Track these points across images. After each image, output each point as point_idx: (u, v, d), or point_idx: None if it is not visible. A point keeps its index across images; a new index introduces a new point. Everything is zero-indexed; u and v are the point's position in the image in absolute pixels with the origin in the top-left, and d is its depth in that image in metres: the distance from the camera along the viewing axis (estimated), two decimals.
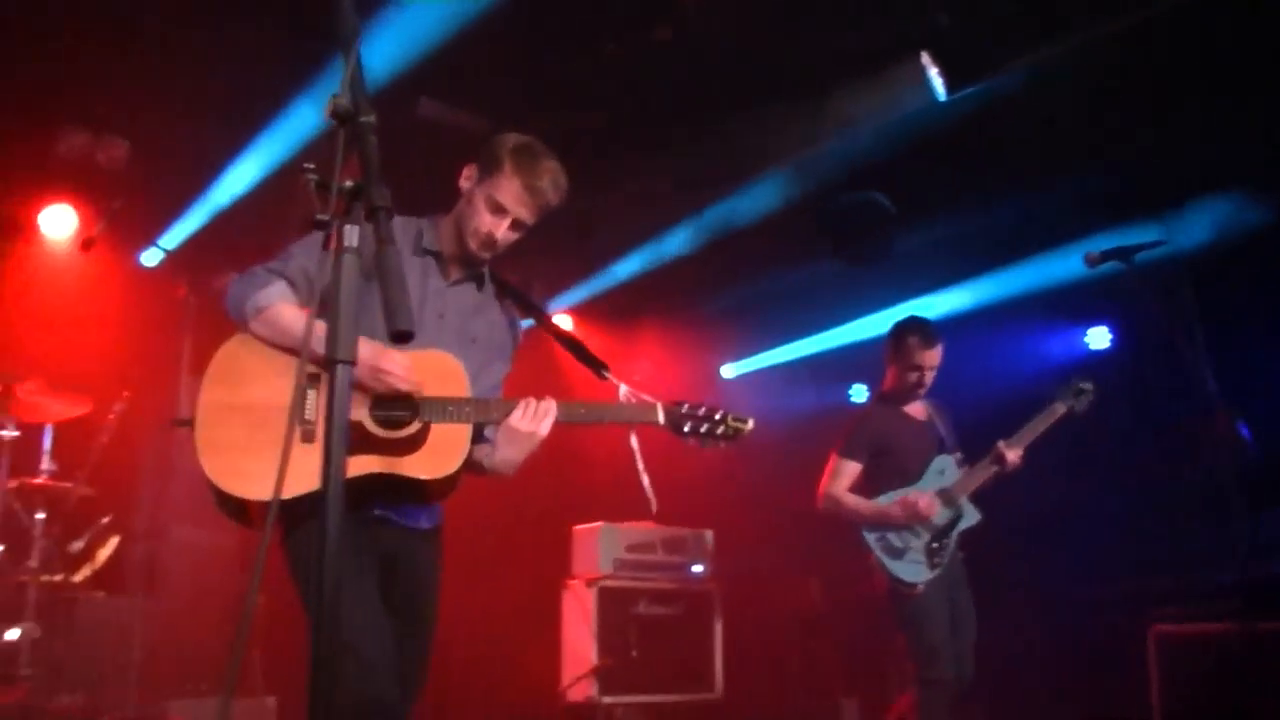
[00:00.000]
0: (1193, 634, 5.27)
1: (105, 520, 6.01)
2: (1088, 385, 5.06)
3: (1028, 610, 6.59)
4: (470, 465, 3.06)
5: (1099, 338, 7.58)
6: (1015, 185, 6.54)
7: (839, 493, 5.10)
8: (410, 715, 3.08)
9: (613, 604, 6.93)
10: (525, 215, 3.11)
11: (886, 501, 4.99)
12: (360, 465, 2.80)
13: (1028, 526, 6.39)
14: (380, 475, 2.84)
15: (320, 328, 2.54)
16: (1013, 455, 4.95)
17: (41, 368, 5.48)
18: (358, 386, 2.80)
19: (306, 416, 2.85)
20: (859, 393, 8.92)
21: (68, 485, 5.65)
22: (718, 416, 3.23)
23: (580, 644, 6.85)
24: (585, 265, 8.44)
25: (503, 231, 3.11)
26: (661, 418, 3.18)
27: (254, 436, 2.84)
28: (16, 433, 5.29)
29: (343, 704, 2.52)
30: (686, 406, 3.23)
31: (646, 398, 3.25)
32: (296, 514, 2.81)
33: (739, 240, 7.46)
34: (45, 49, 5.84)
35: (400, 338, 1.63)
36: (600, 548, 7.08)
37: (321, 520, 1.68)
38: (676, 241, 7.83)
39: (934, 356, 5.11)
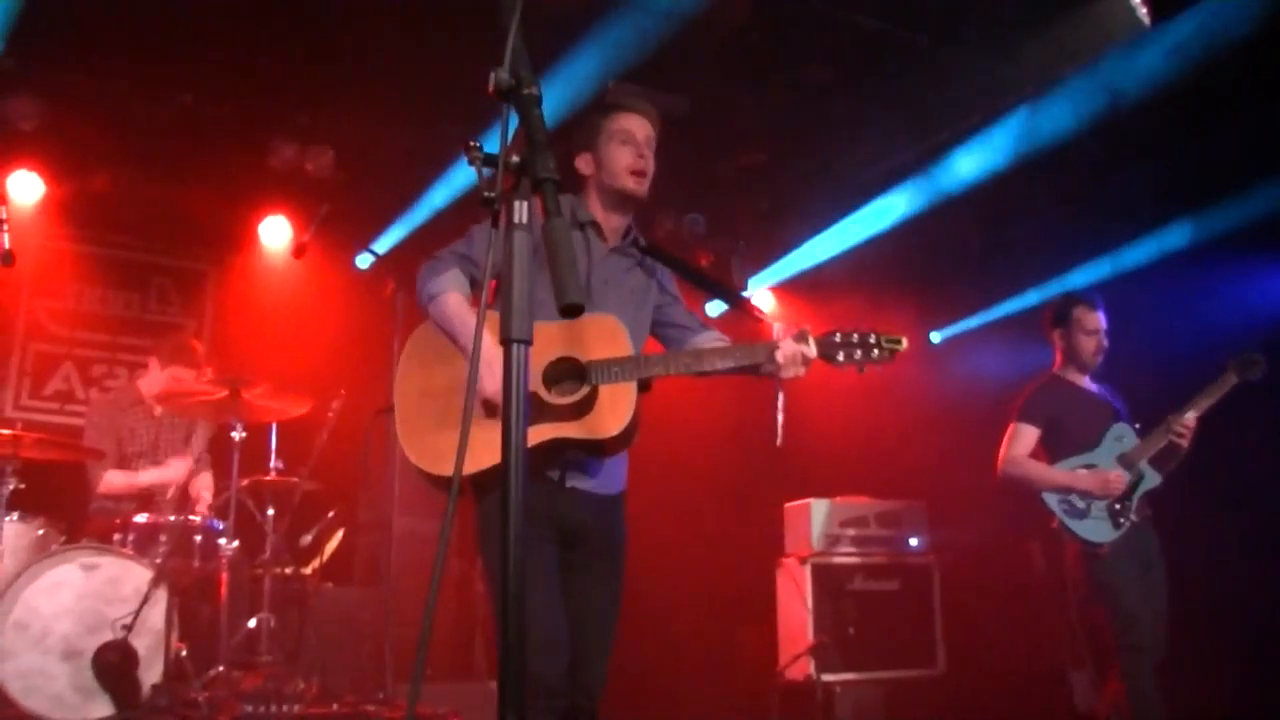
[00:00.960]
0: None
1: (331, 514, 6.28)
2: (1258, 357, 4.97)
3: (1215, 579, 6.16)
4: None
5: None
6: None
7: (1019, 457, 5.15)
8: (599, 680, 3.10)
9: (827, 580, 6.83)
10: (650, 132, 3.27)
11: (1068, 468, 5.04)
12: (538, 434, 2.87)
13: (1217, 493, 6.00)
14: (557, 440, 2.91)
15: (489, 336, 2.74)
16: (1180, 426, 4.93)
17: (265, 371, 5.74)
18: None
19: (455, 390, 2.99)
20: None
21: (294, 480, 5.92)
22: (871, 340, 3.17)
23: (796, 622, 6.78)
24: (784, 242, 8.34)
25: (644, 149, 3.24)
26: (814, 350, 3.09)
27: (445, 416, 2.97)
28: (245, 434, 5.53)
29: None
30: (839, 335, 3.17)
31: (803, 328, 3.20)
32: (485, 486, 2.93)
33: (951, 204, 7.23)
34: (253, 66, 6.14)
35: (570, 311, 1.60)
36: (813, 524, 6.98)
37: (503, 500, 1.67)
38: (889, 210, 7.66)
39: (1101, 318, 5.23)
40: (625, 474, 3.30)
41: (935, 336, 9.00)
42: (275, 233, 7.33)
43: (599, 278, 3.19)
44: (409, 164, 7.00)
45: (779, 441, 3.43)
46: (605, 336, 2.99)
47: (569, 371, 2.98)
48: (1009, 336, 8.32)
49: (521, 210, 1.69)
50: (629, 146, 3.22)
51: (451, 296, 3.02)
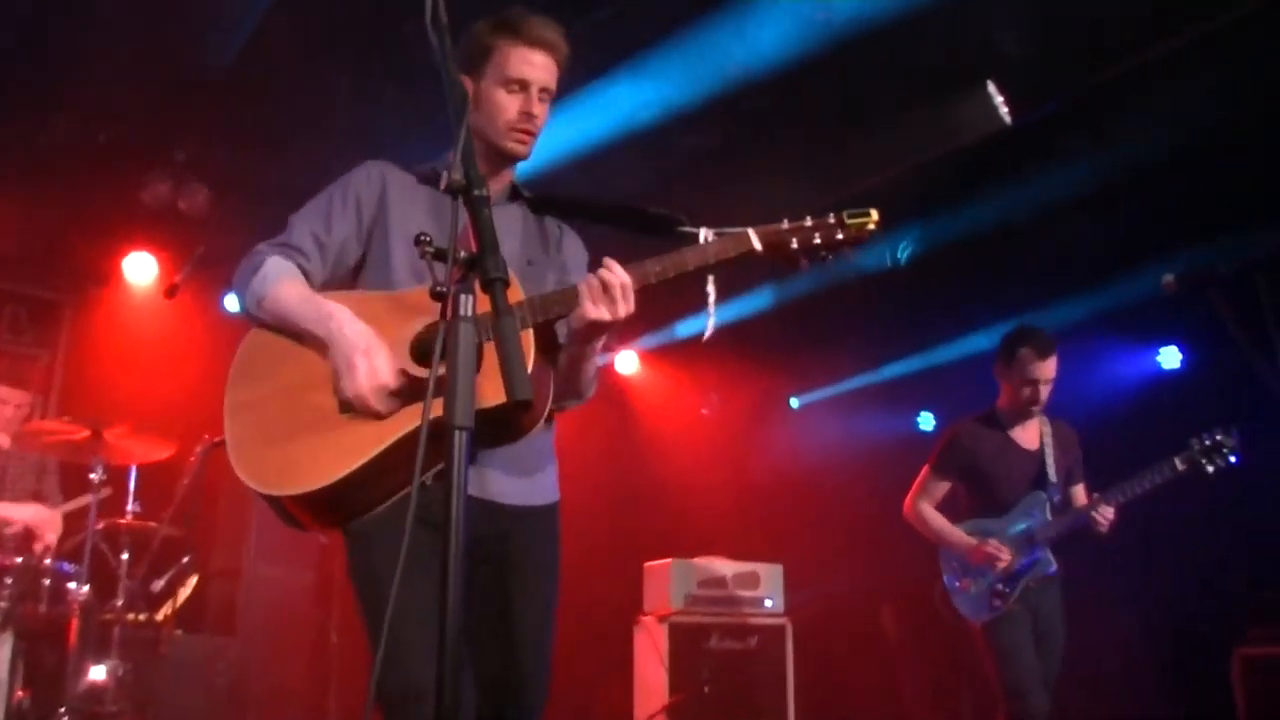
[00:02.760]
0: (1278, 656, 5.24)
1: (185, 560, 6.12)
2: (1229, 440, 4.68)
3: (1114, 629, 6.52)
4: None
5: (1170, 357, 7.50)
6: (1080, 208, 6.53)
7: (923, 508, 5.03)
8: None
9: (685, 639, 6.89)
10: (547, 77, 2.70)
11: (966, 530, 4.90)
12: (406, 419, 2.36)
13: (1113, 546, 6.32)
14: (435, 422, 1.98)
15: (335, 317, 2.42)
16: (1103, 515, 4.72)
17: (128, 412, 5.61)
18: (390, 335, 2.45)
19: (319, 392, 2.45)
20: (926, 420, 8.90)
21: (153, 525, 5.77)
22: (831, 220, 2.54)
23: (653, 680, 6.83)
24: (660, 309, 8.49)
25: (534, 105, 2.68)
26: (757, 243, 2.52)
27: (289, 423, 2.44)
28: (104, 475, 5.39)
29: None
30: (786, 223, 2.55)
31: (731, 231, 2.59)
32: (353, 502, 2.45)
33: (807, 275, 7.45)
34: (129, 97, 6.01)
35: (520, 408, 1.66)
36: (672, 583, 7.06)
37: (442, 572, 1.69)
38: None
39: (1049, 368, 4.81)
40: (554, 483, 2.85)
41: (795, 401, 9.27)
42: (141, 269, 7.14)
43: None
44: (285, 204, 6.90)
45: (707, 334, 2.84)
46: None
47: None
48: (867, 405, 8.66)
49: (467, 304, 1.75)
50: (518, 96, 2.68)
51: (287, 287, 2.54)
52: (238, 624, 6.60)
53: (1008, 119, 5.92)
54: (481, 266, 1.73)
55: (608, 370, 9.02)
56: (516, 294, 2.42)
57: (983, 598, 4.77)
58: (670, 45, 5.33)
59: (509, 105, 2.67)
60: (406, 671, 2.34)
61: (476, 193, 1.79)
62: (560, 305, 2.44)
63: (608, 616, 7.46)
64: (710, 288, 2.65)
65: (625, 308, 2.44)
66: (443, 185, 1.78)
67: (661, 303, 8.29)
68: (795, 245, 2.53)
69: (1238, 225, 6.05)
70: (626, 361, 9.00)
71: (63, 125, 6.21)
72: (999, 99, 5.89)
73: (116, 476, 5.73)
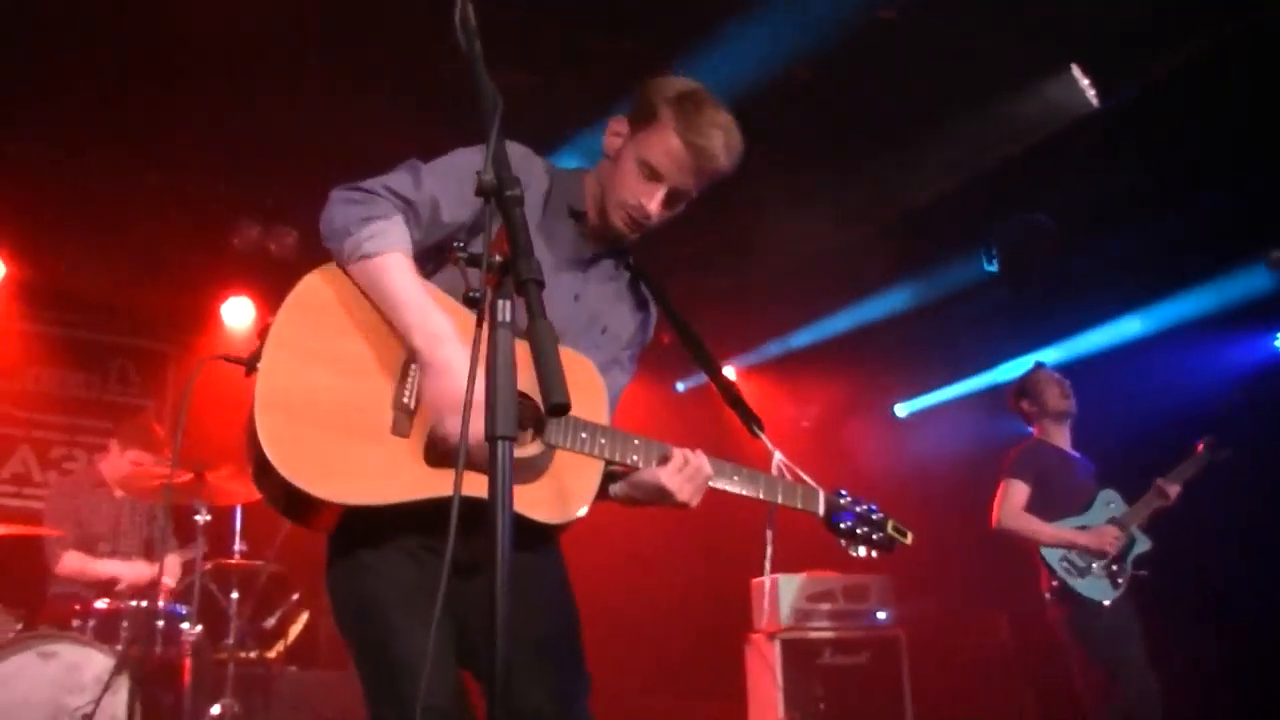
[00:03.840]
0: None
1: (295, 597, 6.20)
2: (1225, 450, 5.29)
3: (1194, 633, 6.22)
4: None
5: None
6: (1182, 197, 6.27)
7: (1018, 511, 5.25)
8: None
9: (796, 656, 6.79)
10: (686, 182, 2.46)
11: (1064, 527, 5.19)
12: (448, 484, 1.89)
13: (1205, 548, 6.09)
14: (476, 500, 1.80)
15: (434, 319, 2.21)
16: (1171, 491, 5.21)
17: (230, 453, 5.69)
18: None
19: (404, 399, 2.24)
20: None
21: (258, 564, 5.85)
22: (877, 518, 2.79)
23: (766, 698, 6.74)
24: (747, 321, 8.43)
25: (656, 204, 2.46)
26: (822, 508, 2.72)
27: (338, 415, 2.20)
28: (209, 516, 5.48)
29: None
30: (848, 498, 2.76)
31: (802, 475, 2.72)
32: (352, 532, 2.29)
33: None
34: (217, 147, 6.18)
35: (557, 411, 1.60)
36: (780, 599, 6.96)
37: (490, 608, 1.63)
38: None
39: (1052, 373, 5.56)
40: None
41: (900, 409, 9.09)
42: (238, 314, 7.32)
43: (568, 287, 2.53)
44: None
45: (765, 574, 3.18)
46: (581, 386, 2.31)
47: (524, 412, 2.26)
48: (974, 411, 8.43)
49: (505, 309, 1.71)
50: (651, 184, 2.46)
51: (401, 269, 2.27)
52: (349, 660, 6.63)
53: (1095, 102, 5.71)
54: (515, 269, 1.68)
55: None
56: (601, 405, 2.44)
57: (1102, 580, 5.08)
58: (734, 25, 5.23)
59: (635, 188, 2.47)
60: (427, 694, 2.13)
61: (509, 193, 1.75)
62: (638, 455, 2.47)
63: (717, 635, 7.38)
64: (770, 542, 2.85)
65: (697, 498, 2.55)
66: (475, 190, 1.74)
67: (756, 319, 8.27)
68: (844, 527, 2.75)
69: None
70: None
71: (154, 179, 6.39)
72: (1085, 81, 5.68)
73: (221, 517, 5.83)
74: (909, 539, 2.86)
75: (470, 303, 1.74)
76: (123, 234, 6.76)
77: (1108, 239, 6.72)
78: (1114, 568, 5.10)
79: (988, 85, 5.71)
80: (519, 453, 2.14)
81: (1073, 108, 5.67)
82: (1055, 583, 5.14)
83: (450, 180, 2.42)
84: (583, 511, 2.39)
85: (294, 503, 2.18)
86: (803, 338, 8.41)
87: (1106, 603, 5.05)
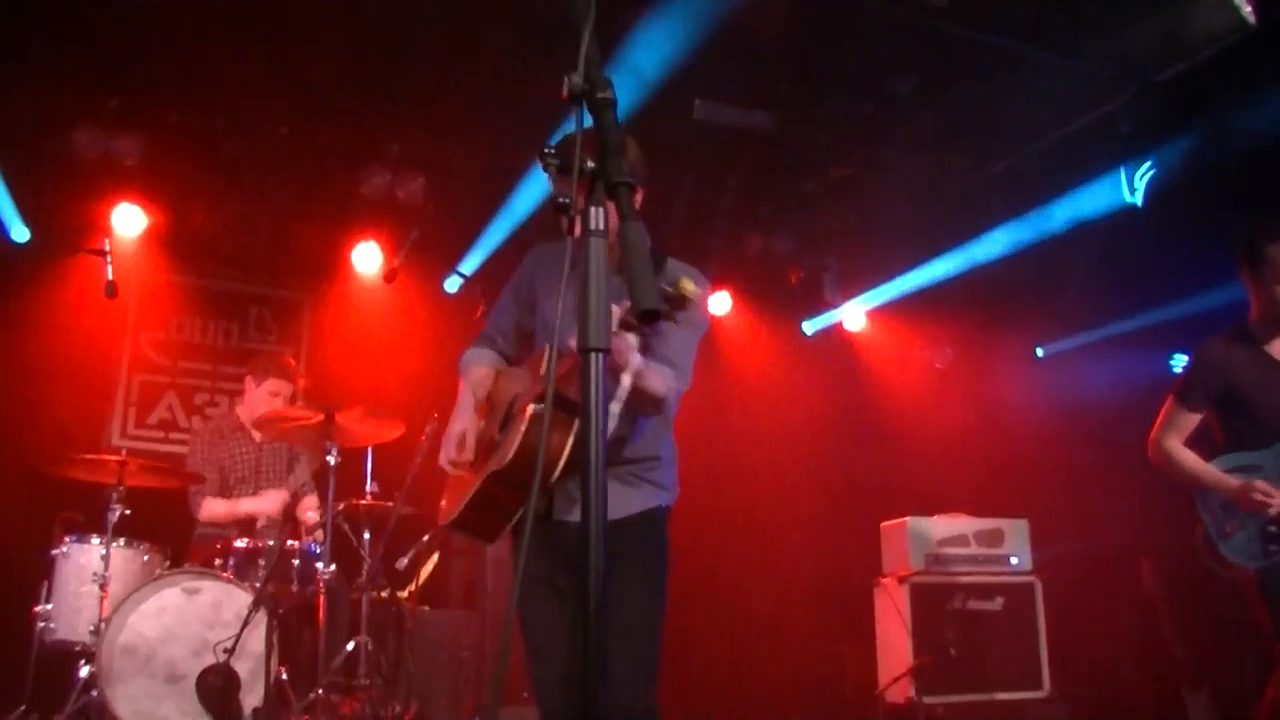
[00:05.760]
0: None
1: (426, 538, 6.29)
2: None
3: None
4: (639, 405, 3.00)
5: None
6: None
7: (1171, 446, 4.28)
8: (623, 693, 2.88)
9: (927, 601, 6.67)
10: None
11: (1226, 466, 4.17)
12: (479, 477, 3.07)
13: None
14: (490, 477, 3.01)
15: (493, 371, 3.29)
16: None
17: (359, 396, 5.80)
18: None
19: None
20: (1181, 362, 8.28)
21: (388, 505, 5.96)
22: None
23: (896, 643, 6.64)
24: (879, 259, 8.26)
25: None
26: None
27: (455, 474, 3.26)
28: (339, 458, 5.58)
29: None
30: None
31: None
32: (478, 530, 3.21)
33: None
34: (344, 98, 6.28)
35: (646, 318, 1.56)
36: (910, 543, 6.83)
37: (583, 526, 1.64)
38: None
39: None
40: (641, 497, 3.13)
41: (1040, 351, 8.81)
42: (367, 259, 7.43)
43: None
44: (492, 187, 7.07)
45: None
46: (535, 372, 3.04)
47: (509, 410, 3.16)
48: (1117, 354, 8.11)
49: (598, 216, 1.66)
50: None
51: (470, 371, 3.36)
52: (480, 600, 6.74)
53: (1253, 19, 5.35)
54: (604, 172, 1.63)
55: (836, 329, 8.81)
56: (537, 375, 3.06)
57: (1254, 542, 4.07)
58: None
59: None
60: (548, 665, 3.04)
61: (600, 96, 1.70)
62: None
63: (849, 578, 7.30)
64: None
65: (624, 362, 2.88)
66: (564, 92, 1.70)
67: (883, 256, 8.10)
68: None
69: None
70: (854, 318, 8.75)
71: (285, 130, 6.52)
72: None
73: (353, 458, 5.94)
74: (690, 289, 2.52)
75: (560, 209, 1.71)
76: (257, 186, 6.92)
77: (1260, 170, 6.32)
78: (1272, 529, 4.03)
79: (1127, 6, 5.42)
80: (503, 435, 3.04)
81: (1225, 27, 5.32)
82: (1199, 532, 4.20)
83: (499, 304, 3.48)
84: (509, 456, 2.89)
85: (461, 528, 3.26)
86: (930, 275, 8.18)
87: (1254, 570, 4.05)
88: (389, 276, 6.30)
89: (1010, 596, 6.84)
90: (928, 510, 7.01)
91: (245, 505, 5.89)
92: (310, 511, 6.02)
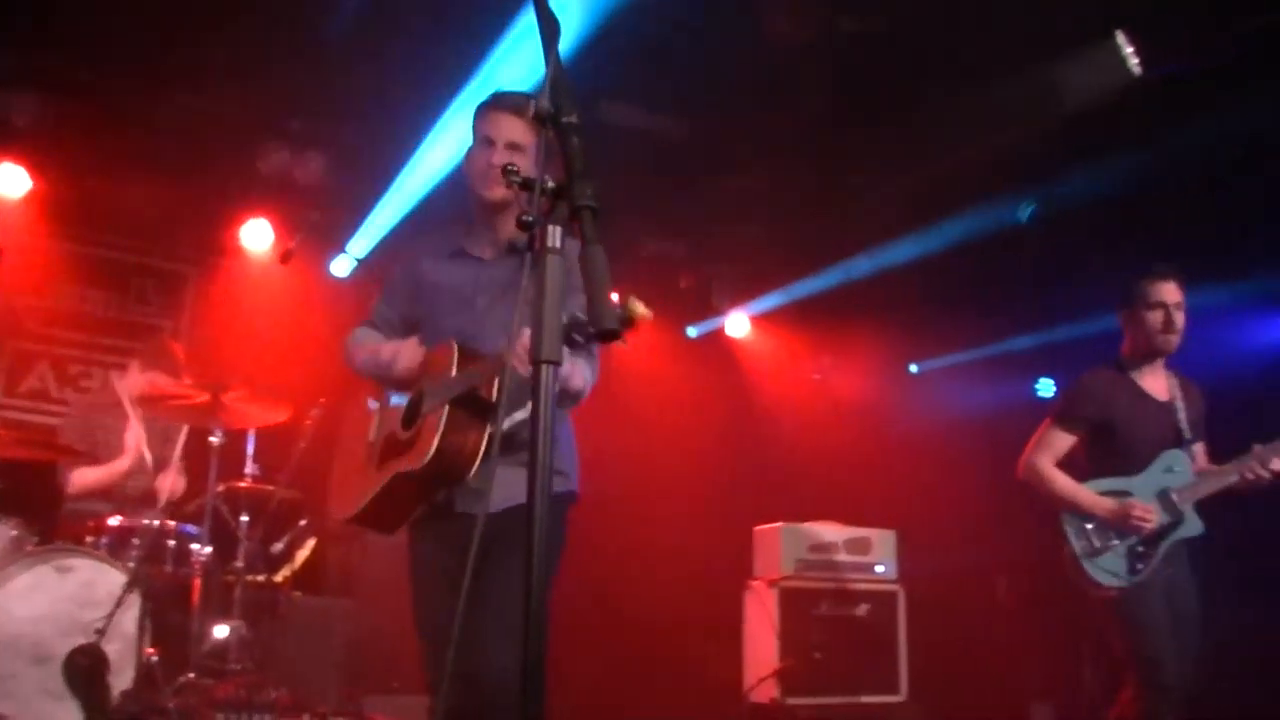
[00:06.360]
0: None
1: (304, 523, 6.24)
2: None
3: (1264, 617, 6.22)
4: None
5: None
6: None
7: (1044, 466, 4.47)
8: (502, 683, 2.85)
9: (795, 605, 6.85)
10: (512, 132, 3.15)
11: (1098, 490, 4.39)
12: (384, 474, 3.10)
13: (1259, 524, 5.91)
14: (401, 475, 3.04)
15: (388, 346, 3.25)
16: (1270, 464, 4.23)
17: (245, 376, 5.73)
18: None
19: (369, 439, 3.26)
20: (1046, 387, 8.67)
21: (270, 488, 5.90)
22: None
23: (763, 645, 6.81)
24: (771, 271, 8.43)
25: (498, 155, 3.13)
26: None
27: (344, 462, 3.37)
28: (223, 439, 5.52)
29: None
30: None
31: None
32: (377, 524, 3.28)
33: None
34: (250, 69, 6.16)
35: (605, 337, 1.64)
36: (782, 548, 7.01)
37: (529, 517, 1.70)
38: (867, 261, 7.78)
39: (1172, 291, 4.43)
40: (566, 478, 3.29)
41: (914, 367, 9.12)
42: (258, 237, 7.31)
43: (484, 301, 3.23)
44: (393, 170, 7.02)
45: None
46: (440, 366, 3.06)
47: (413, 405, 3.15)
48: (985, 375, 8.46)
49: (554, 235, 1.73)
50: (485, 150, 3.17)
51: (357, 348, 3.38)
52: (355, 586, 6.72)
53: (1138, 71, 5.65)
54: (569, 194, 1.70)
55: (719, 334, 8.97)
56: (449, 368, 3.06)
57: (1121, 562, 4.28)
58: None
59: (478, 157, 3.24)
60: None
61: (565, 120, 1.77)
62: (459, 385, 2.98)
63: (718, 581, 7.44)
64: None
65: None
66: (531, 114, 1.76)
67: (772, 266, 8.30)
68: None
69: None
70: (737, 325, 8.93)
71: (182, 98, 6.37)
72: (1129, 49, 5.63)
73: (235, 440, 5.87)
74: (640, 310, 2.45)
75: (524, 226, 1.77)
76: (148, 153, 6.73)
77: (1149, 211, 6.69)
78: (1140, 549, 4.27)
79: (1032, 48, 5.67)
80: (406, 435, 3.06)
81: (1114, 76, 5.61)
82: (1066, 552, 4.39)
83: (384, 293, 3.54)
84: (428, 454, 2.92)
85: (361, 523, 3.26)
86: (813, 287, 8.39)
87: (1112, 591, 4.28)
88: (284, 257, 6.25)
89: (875, 604, 7.07)
90: (800, 516, 7.21)
91: (109, 468, 5.74)
92: (168, 492, 5.88)
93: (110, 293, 7.44)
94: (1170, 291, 4.46)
